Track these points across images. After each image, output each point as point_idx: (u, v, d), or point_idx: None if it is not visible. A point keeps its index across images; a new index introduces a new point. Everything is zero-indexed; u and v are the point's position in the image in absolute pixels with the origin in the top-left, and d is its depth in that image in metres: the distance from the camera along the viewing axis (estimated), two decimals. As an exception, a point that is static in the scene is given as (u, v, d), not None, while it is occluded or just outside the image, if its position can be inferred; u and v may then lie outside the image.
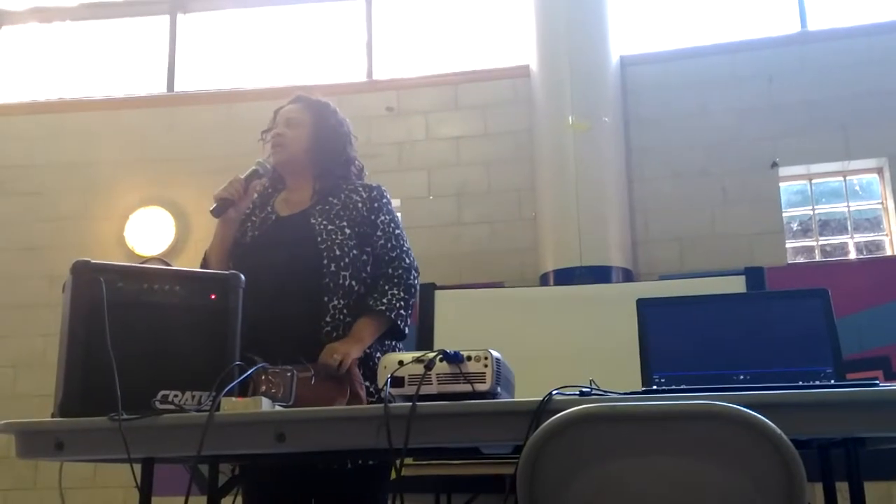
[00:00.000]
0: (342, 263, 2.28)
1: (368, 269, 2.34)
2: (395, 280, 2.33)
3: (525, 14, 5.65)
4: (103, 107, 6.11)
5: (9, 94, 6.39)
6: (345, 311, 2.26)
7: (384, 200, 2.43)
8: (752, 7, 5.74)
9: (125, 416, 1.65)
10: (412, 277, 2.37)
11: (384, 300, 2.28)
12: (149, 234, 5.79)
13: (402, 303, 2.30)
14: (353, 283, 2.29)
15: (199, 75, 6.30)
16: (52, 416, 1.76)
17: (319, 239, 2.30)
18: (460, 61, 5.96)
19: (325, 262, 2.27)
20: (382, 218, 2.39)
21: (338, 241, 2.30)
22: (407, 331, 2.33)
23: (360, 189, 2.43)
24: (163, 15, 6.41)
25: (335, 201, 2.39)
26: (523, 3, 5.68)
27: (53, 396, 1.78)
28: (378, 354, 2.28)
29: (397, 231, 2.40)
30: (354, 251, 2.31)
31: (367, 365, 2.25)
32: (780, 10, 5.64)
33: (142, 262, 1.94)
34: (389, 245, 2.37)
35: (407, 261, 2.38)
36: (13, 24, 6.56)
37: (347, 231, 2.33)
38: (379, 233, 2.37)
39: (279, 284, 2.24)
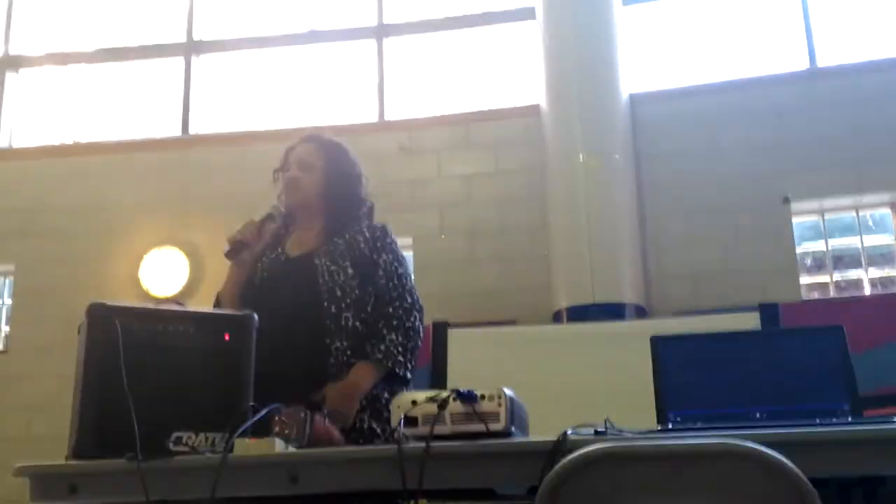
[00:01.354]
0: (343, 304, 2.27)
1: (369, 308, 2.32)
2: (395, 323, 2.29)
3: (534, 53, 5.71)
4: (119, 150, 6.18)
5: (26, 138, 6.47)
6: (348, 352, 2.25)
7: (387, 240, 2.41)
8: (761, 44, 5.78)
9: (142, 458, 1.64)
10: (413, 319, 2.32)
11: (381, 347, 2.24)
12: (163, 274, 5.82)
13: (401, 348, 2.26)
14: (357, 323, 2.28)
15: (213, 117, 6.37)
16: (66, 459, 1.76)
17: (321, 280, 2.30)
18: (471, 101, 6.01)
19: (326, 303, 2.27)
20: (385, 257, 2.37)
21: (339, 281, 2.30)
22: (409, 375, 2.28)
23: (365, 230, 2.42)
24: (177, 57, 6.50)
25: (340, 242, 2.38)
26: (533, 43, 5.74)
27: (68, 439, 1.78)
28: (386, 395, 2.26)
29: (400, 270, 2.37)
30: (357, 291, 2.30)
31: (374, 406, 2.24)
32: (789, 47, 5.67)
33: (156, 304, 1.95)
34: (391, 284, 2.34)
35: (409, 300, 2.34)
36: (30, 67, 6.67)
37: (350, 271, 2.32)
38: (381, 272, 2.35)
39: (284, 326, 2.22)
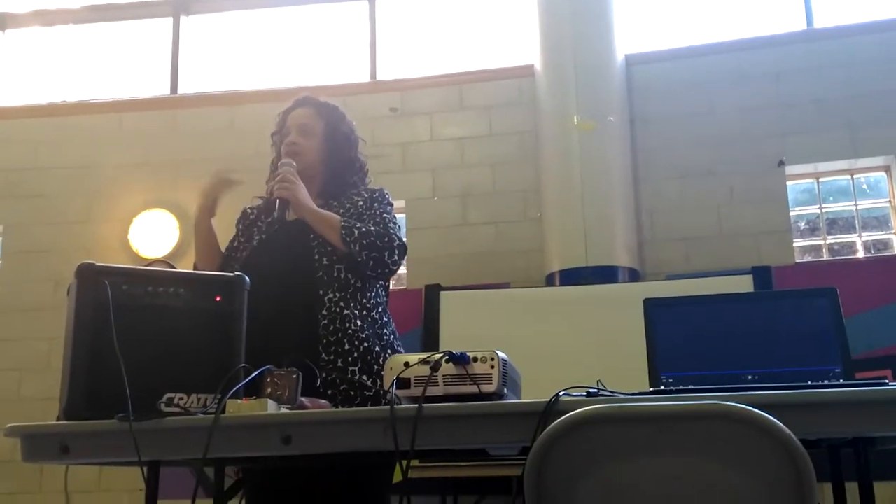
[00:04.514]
0: (335, 257, 2.30)
1: None
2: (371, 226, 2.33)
3: (529, 13, 5.64)
4: (107, 109, 6.12)
5: (12, 98, 6.40)
6: (341, 303, 2.27)
7: (384, 201, 2.46)
8: (758, 5, 5.72)
9: (133, 419, 1.64)
10: (393, 235, 2.32)
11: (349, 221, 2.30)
12: (153, 236, 5.79)
13: (363, 230, 2.27)
14: (349, 275, 2.31)
15: (202, 77, 6.30)
16: (57, 419, 1.76)
17: (311, 236, 2.33)
18: (464, 61, 5.95)
19: (317, 256, 2.30)
20: (376, 207, 2.41)
21: None
22: (355, 250, 2.25)
23: (364, 192, 2.47)
24: (166, 17, 6.42)
25: (335, 204, 2.42)
26: (527, 3, 5.67)
27: (58, 400, 1.78)
28: (377, 349, 2.29)
29: (386, 216, 2.40)
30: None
31: (365, 359, 2.26)
32: (787, 8, 5.62)
33: (146, 265, 1.93)
34: (372, 223, 2.36)
35: (392, 232, 2.35)
36: (16, 27, 6.57)
37: None
38: (366, 217, 2.38)
39: (280, 284, 2.26)
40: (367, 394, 2.21)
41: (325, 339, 2.24)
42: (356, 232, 2.27)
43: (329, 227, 2.29)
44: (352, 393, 2.20)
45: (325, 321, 2.25)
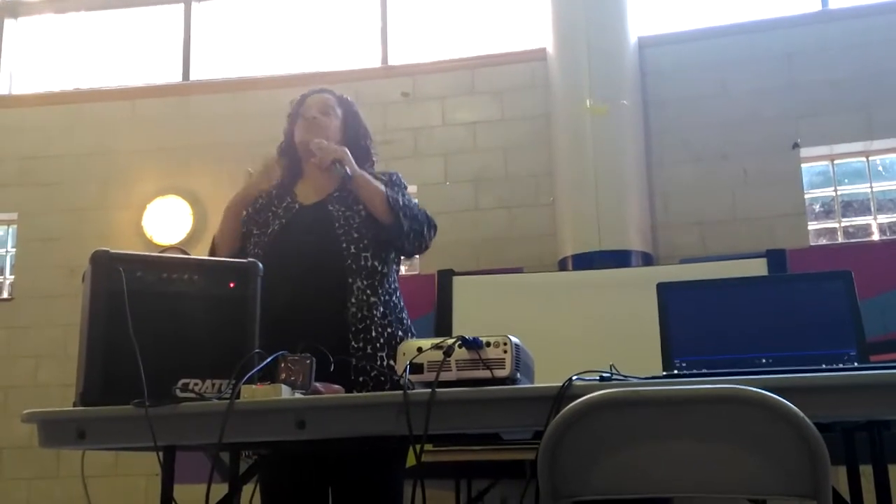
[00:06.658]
0: (362, 245, 2.33)
1: (383, 253, 2.38)
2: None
3: (541, -4, 5.61)
4: (119, 96, 6.14)
5: (26, 85, 6.42)
6: (368, 291, 2.30)
7: (401, 184, 2.50)
8: (772, -15, 5.66)
9: (149, 404, 1.65)
10: (425, 212, 2.41)
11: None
12: (166, 223, 5.81)
13: (404, 202, 2.34)
14: (375, 262, 2.34)
15: (214, 63, 6.30)
16: (74, 405, 1.78)
17: (337, 224, 2.35)
18: (476, 45, 5.92)
19: (345, 244, 2.32)
20: (396, 190, 2.44)
21: (355, 224, 2.35)
22: (401, 218, 2.31)
23: (380, 175, 2.48)
24: (177, 4, 6.41)
25: (353, 189, 2.41)
26: (539, -15, 5.63)
27: (74, 386, 1.79)
28: (399, 333, 2.32)
29: (410, 203, 2.45)
30: (373, 232, 2.35)
31: (390, 344, 2.29)
32: (800, -11, 5.56)
33: (160, 252, 1.94)
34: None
35: (421, 210, 2.42)
36: (29, 14, 6.59)
37: (364, 213, 2.37)
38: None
39: (305, 270, 2.29)
40: (396, 378, 2.22)
41: (354, 326, 2.26)
42: (401, 201, 2.33)
43: (376, 192, 2.33)
44: (382, 378, 2.23)
45: (353, 309, 2.27)
